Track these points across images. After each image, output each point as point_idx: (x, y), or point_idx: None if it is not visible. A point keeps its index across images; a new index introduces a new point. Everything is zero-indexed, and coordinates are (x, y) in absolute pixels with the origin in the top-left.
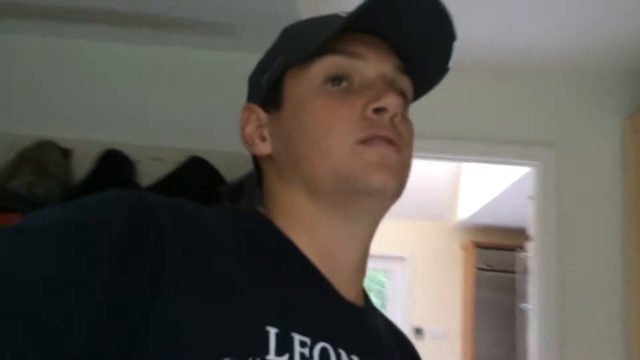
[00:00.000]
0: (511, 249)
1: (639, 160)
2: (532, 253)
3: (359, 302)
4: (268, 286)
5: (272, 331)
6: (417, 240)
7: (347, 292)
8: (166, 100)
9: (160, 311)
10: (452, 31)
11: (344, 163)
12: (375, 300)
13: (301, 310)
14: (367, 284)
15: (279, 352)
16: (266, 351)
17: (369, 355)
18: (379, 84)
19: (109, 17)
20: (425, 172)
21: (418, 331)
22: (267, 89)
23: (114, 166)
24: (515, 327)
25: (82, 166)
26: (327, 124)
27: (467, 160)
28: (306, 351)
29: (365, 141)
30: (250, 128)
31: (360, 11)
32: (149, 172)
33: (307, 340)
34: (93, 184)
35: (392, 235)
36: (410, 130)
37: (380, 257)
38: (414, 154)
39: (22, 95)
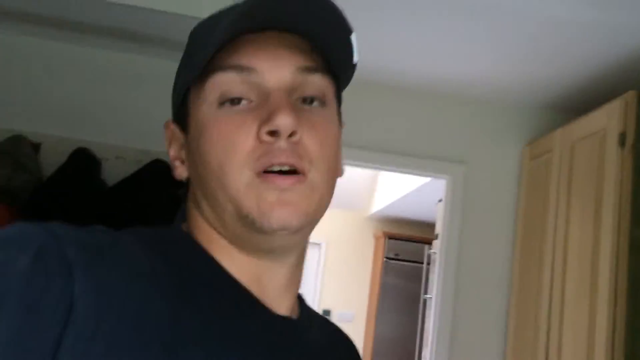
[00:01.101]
0: (420, 241)
1: (531, 182)
2: (437, 249)
3: (294, 314)
4: (192, 318)
5: None
6: (332, 227)
7: (279, 307)
8: (132, 102)
9: (66, 357)
10: (344, 23)
11: (241, 199)
12: None
13: (229, 338)
14: None
15: None
16: None
17: None
18: (274, 98)
19: (80, 27)
20: (346, 165)
21: (326, 313)
22: (178, 109)
23: (82, 164)
24: (417, 313)
25: (48, 160)
26: (224, 155)
27: (388, 170)
28: None
29: (262, 173)
30: (173, 150)
31: (241, 11)
32: (113, 171)
33: None
34: (63, 179)
35: None
36: (322, 141)
37: None
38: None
39: None
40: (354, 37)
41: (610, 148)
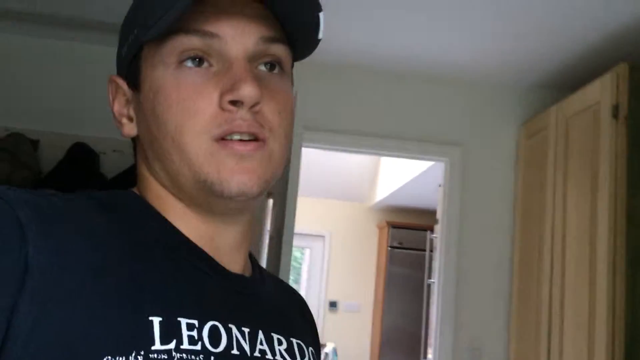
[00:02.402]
0: (423, 229)
1: (528, 160)
2: (438, 234)
3: (246, 272)
4: (148, 276)
5: (156, 320)
6: (336, 219)
7: (232, 265)
8: None
9: (24, 322)
10: (314, 1)
11: (200, 163)
12: (290, 276)
13: (186, 294)
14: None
15: (164, 340)
16: (151, 342)
17: (260, 324)
18: (237, 67)
19: (74, 23)
20: (347, 157)
21: (333, 304)
22: (127, 64)
23: (81, 157)
24: (422, 301)
25: (47, 156)
26: (182, 118)
27: (387, 155)
28: (194, 333)
29: (221, 139)
30: (118, 105)
31: None
32: (111, 164)
33: (195, 322)
34: (63, 173)
35: (312, 215)
36: (281, 110)
37: (300, 234)
38: (339, 147)
39: None
40: (322, 15)
41: (604, 121)
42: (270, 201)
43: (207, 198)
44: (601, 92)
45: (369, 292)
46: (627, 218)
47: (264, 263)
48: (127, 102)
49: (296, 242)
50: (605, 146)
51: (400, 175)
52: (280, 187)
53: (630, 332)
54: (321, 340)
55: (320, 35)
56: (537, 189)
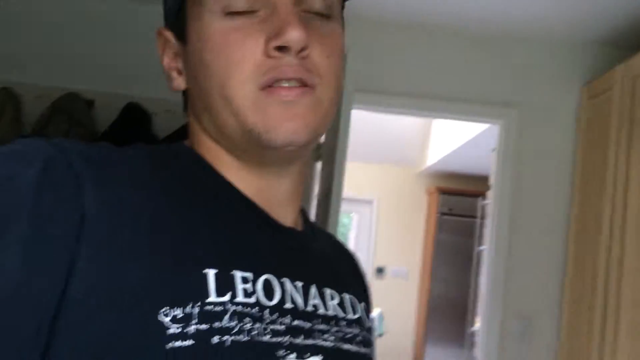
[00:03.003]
0: (474, 195)
1: (590, 123)
2: (490, 200)
3: (298, 226)
4: (202, 228)
5: (211, 272)
6: (385, 184)
7: (284, 219)
8: None
9: (85, 272)
10: None
11: (246, 113)
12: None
13: (240, 247)
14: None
15: (220, 293)
16: (206, 294)
17: (313, 279)
18: (282, 11)
19: None
20: (397, 120)
21: (380, 270)
22: (174, 16)
23: (134, 117)
24: (471, 269)
25: (102, 116)
26: (228, 67)
27: (438, 117)
28: (249, 286)
29: (267, 87)
30: (167, 58)
31: None
32: (163, 124)
33: (249, 275)
34: (116, 133)
35: (360, 179)
36: (330, 54)
37: (347, 199)
38: (390, 109)
39: (47, 50)
40: None
41: None
42: (319, 164)
43: (255, 149)
44: None
45: (416, 258)
46: None
47: None
48: (176, 55)
49: (343, 207)
50: None
51: (452, 140)
52: (329, 150)
53: None
54: None
55: None
56: (599, 155)
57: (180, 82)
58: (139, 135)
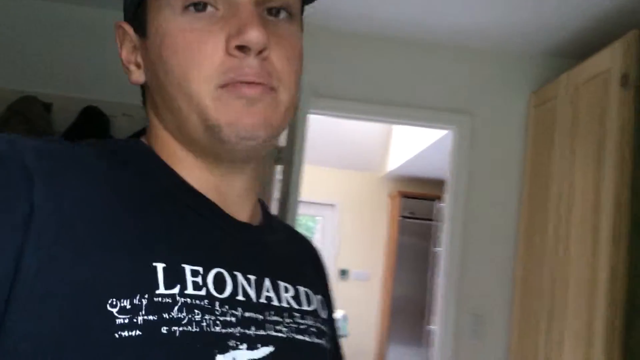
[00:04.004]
0: (433, 198)
1: (538, 129)
2: (445, 203)
3: (255, 221)
4: (154, 224)
5: (160, 266)
6: (347, 188)
7: (239, 215)
8: None
9: (34, 263)
10: None
11: (207, 110)
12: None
13: (192, 242)
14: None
15: (168, 286)
16: (155, 286)
17: (267, 272)
18: (243, 11)
19: None
20: (359, 127)
21: (343, 273)
22: (133, 9)
23: (92, 121)
24: (430, 270)
25: (60, 119)
26: (188, 65)
27: (395, 122)
28: (199, 279)
29: (226, 85)
30: (126, 51)
31: None
32: (121, 128)
33: (200, 269)
34: (74, 136)
35: (323, 183)
36: (290, 57)
37: (311, 203)
38: (347, 114)
39: (4, 52)
40: None
41: (613, 89)
42: (279, 168)
43: (214, 144)
44: (611, 60)
45: (379, 261)
46: (632, 187)
47: None
48: (135, 48)
49: (308, 210)
50: (613, 115)
51: (412, 145)
52: (288, 154)
53: (630, 301)
54: None
55: None
56: (545, 158)
57: (138, 76)
58: (97, 138)
